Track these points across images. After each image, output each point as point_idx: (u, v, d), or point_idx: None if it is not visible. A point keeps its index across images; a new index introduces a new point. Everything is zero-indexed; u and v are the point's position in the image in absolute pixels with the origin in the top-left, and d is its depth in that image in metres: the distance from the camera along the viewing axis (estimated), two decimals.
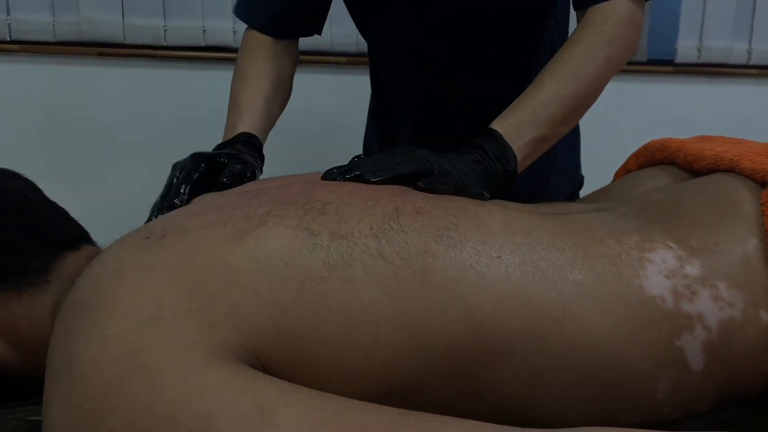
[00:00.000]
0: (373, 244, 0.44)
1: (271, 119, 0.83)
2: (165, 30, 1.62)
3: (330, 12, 0.92)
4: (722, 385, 0.48)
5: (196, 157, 0.65)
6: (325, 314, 0.41)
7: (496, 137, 0.65)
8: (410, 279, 0.43)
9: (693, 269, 0.48)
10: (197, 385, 0.37)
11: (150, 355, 0.38)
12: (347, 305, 0.42)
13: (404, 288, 0.43)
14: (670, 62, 1.83)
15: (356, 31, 0.94)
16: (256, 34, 0.87)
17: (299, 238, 0.43)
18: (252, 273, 0.41)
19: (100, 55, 1.60)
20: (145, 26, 1.62)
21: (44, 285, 0.51)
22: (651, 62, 1.83)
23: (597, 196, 0.69)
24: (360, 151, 1.01)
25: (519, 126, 0.66)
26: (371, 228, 0.45)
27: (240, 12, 0.89)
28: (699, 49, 1.82)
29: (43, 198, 0.58)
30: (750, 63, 1.80)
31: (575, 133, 0.99)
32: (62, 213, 0.58)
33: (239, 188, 0.62)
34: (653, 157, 0.69)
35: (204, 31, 1.64)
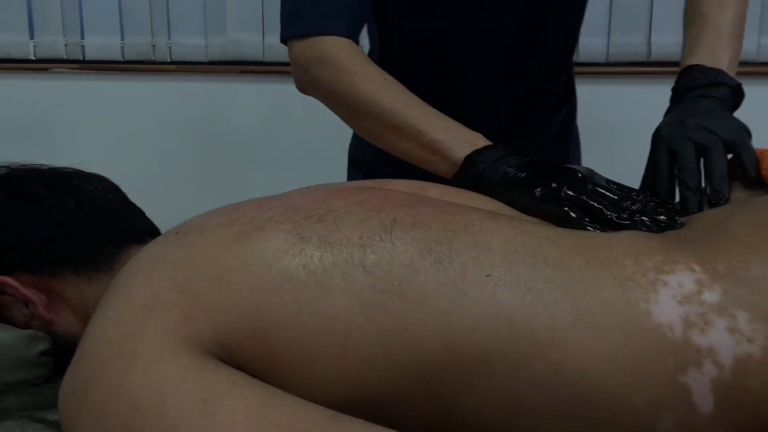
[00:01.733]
0: (357, 254, 0.44)
1: None
2: None
3: None
4: None
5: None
6: (296, 317, 0.42)
7: (702, 70, 0.68)
8: (387, 291, 0.43)
9: (712, 296, 0.42)
10: (162, 371, 0.40)
11: (135, 340, 0.42)
12: (319, 311, 0.43)
13: (379, 300, 0.43)
14: None
15: None
16: (334, 43, 0.73)
17: (288, 243, 0.45)
18: (237, 272, 0.44)
19: (242, 72, 1.76)
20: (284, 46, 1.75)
21: (110, 272, 0.58)
22: None
23: None
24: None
25: (713, 52, 0.69)
26: (360, 238, 0.45)
27: (307, 25, 0.74)
28: None
29: (123, 199, 0.67)
30: None
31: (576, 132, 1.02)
32: (136, 212, 0.66)
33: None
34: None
35: None
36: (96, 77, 1.85)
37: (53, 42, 1.84)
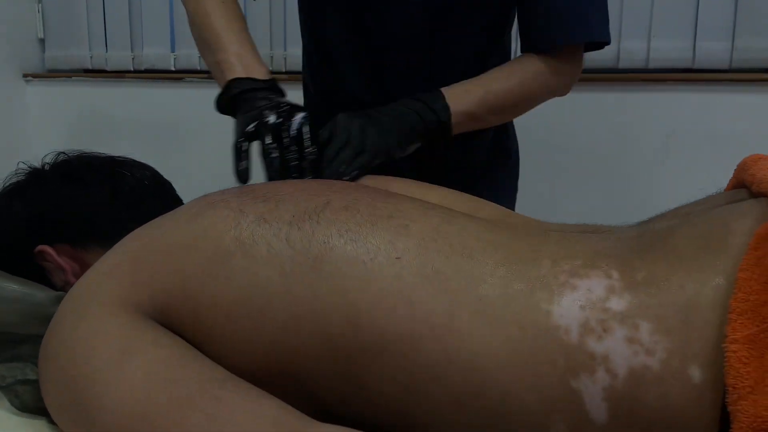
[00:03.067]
0: (284, 230, 0.47)
1: None
2: None
3: None
4: None
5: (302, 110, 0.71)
6: (222, 284, 0.46)
7: (439, 96, 0.77)
8: (304, 264, 0.45)
9: (618, 303, 0.40)
10: (99, 326, 0.46)
11: (89, 300, 0.48)
12: (244, 278, 0.46)
13: (296, 272, 0.45)
14: None
15: None
16: None
17: (228, 218, 0.49)
18: (180, 245, 0.49)
19: None
20: None
21: None
22: None
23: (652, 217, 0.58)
24: None
25: (462, 95, 0.79)
26: (293, 216, 0.48)
27: None
28: None
29: (159, 188, 0.75)
30: None
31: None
32: (168, 198, 0.75)
33: None
34: (738, 177, 0.55)
35: None
36: None
37: (188, 55, 2.06)
